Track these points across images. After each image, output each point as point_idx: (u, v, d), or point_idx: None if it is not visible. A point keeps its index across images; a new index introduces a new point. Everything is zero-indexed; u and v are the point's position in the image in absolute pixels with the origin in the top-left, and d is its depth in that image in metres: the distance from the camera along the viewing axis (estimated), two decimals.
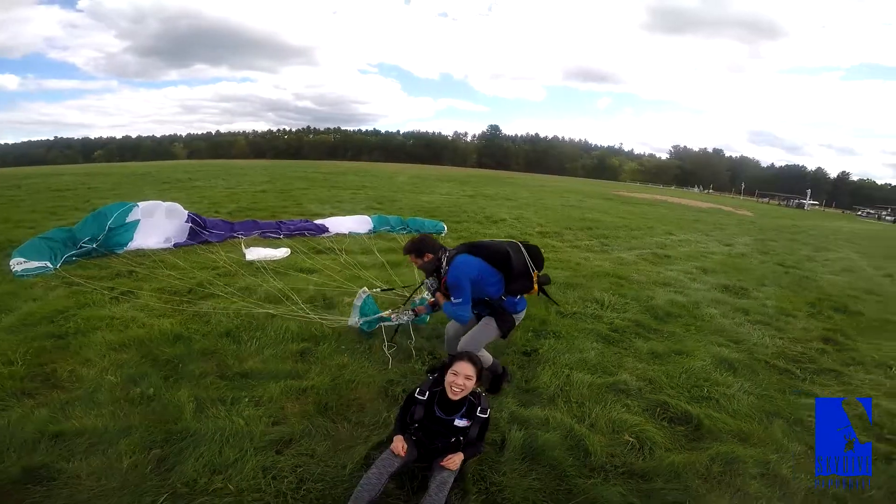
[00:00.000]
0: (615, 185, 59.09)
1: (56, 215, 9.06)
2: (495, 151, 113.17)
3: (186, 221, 6.92)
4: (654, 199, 29.74)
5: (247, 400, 2.82)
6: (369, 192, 16.49)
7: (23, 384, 2.87)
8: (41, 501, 2.05)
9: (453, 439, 2.31)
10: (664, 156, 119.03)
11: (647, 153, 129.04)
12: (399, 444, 2.22)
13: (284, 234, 7.56)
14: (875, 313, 6.02)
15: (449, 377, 2.34)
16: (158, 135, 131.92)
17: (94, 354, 3.28)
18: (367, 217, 8.83)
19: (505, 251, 2.92)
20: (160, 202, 6.91)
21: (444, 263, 2.97)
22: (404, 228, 8.66)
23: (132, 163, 49.82)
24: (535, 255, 3.02)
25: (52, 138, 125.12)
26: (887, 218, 50.80)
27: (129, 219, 6.24)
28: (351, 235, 7.89)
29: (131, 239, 6.17)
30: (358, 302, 3.75)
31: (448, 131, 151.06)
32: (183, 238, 6.74)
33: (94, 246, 5.78)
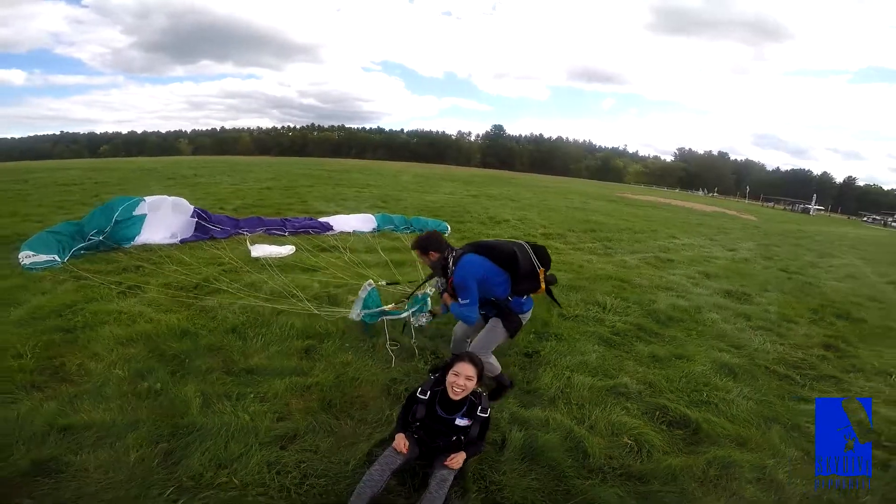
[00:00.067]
0: (619, 186, 58.91)
1: (63, 209, 9.12)
2: (499, 151, 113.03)
3: (192, 216, 6.99)
4: (658, 202, 29.65)
5: (252, 396, 2.87)
6: (374, 190, 16.48)
7: (32, 377, 2.92)
8: (50, 494, 2.09)
9: (454, 438, 2.35)
10: (669, 158, 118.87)
11: (651, 155, 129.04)
12: (401, 442, 2.26)
13: (289, 232, 7.60)
14: (877, 320, 6.01)
15: (450, 377, 2.38)
16: (164, 130, 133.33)
17: (102, 348, 3.32)
18: (371, 216, 8.88)
19: (511, 251, 2.92)
20: (166, 197, 6.96)
21: (451, 263, 2.96)
22: (408, 228, 8.70)
23: (138, 158, 49.95)
24: (542, 254, 3.02)
25: (58, 133, 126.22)
26: (893, 224, 50.34)
27: (137, 212, 6.30)
28: (355, 234, 7.94)
29: (138, 233, 6.23)
30: (363, 294, 3.76)
31: (452, 130, 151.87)
32: (189, 233, 6.81)
33: (102, 238, 5.84)
